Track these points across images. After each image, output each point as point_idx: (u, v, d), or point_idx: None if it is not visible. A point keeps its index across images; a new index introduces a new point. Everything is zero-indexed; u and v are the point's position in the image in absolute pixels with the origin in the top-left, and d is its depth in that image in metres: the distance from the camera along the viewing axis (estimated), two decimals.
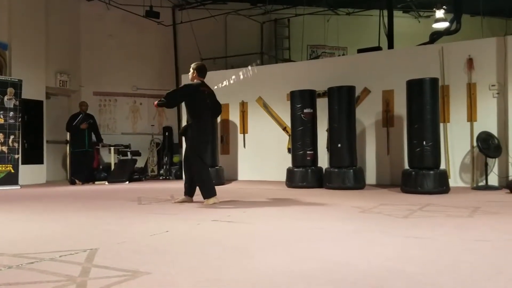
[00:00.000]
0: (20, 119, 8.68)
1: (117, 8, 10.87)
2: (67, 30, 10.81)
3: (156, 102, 5.39)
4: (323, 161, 8.14)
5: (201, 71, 5.56)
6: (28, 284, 2.15)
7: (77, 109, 9.77)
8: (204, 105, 5.42)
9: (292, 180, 7.78)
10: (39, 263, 2.53)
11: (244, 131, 9.66)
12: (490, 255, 2.66)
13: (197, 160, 5.32)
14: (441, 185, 6.45)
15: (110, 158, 9.86)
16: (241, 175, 9.62)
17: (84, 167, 9.38)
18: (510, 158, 7.08)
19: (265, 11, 12.29)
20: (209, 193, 5.30)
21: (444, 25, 9.93)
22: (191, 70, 5.58)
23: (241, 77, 5.90)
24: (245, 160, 9.57)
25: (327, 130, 7.91)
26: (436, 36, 9.60)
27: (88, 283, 2.14)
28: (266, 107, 9.43)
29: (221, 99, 9.32)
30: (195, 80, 5.53)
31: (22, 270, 2.41)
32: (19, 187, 8.39)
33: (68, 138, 9.83)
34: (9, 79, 8.72)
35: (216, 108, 5.88)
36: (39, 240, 3.35)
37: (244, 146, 9.63)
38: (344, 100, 7.46)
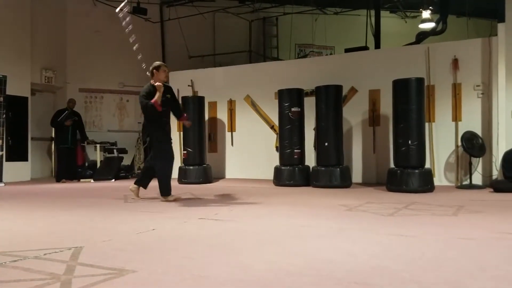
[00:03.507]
0: (4, 116, 8.54)
1: (104, 4, 10.76)
2: (53, 26, 10.66)
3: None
4: (310, 159, 8.18)
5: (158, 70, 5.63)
6: (12, 282, 2.12)
7: (63, 105, 9.65)
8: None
9: (280, 179, 7.80)
10: (23, 261, 2.51)
11: (232, 129, 9.65)
12: (473, 253, 2.70)
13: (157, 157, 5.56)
14: (426, 184, 6.53)
15: (96, 155, 9.76)
16: (229, 173, 9.61)
17: (69, 165, 9.30)
18: (494, 158, 7.19)
19: (253, 9, 12.28)
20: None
21: (430, 25, 10.04)
22: (152, 70, 5.64)
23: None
24: (233, 158, 9.57)
25: (314, 129, 7.94)
26: (422, 36, 9.70)
27: (73, 281, 2.12)
28: (254, 105, 9.43)
29: (209, 97, 9.43)
30: (156, 82, 5.54)
31: (6, 268, 2.38)
32: (3, 185, 8.27)
33: (53, 135, 9.71)
34: None
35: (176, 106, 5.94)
36: (23, 238, 3.31)
37: (232, 144, 9.62)
38: (331, 99, 7.50)
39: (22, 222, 4.07)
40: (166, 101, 5.54)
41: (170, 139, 5.74)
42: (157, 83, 5.46)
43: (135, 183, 5.90)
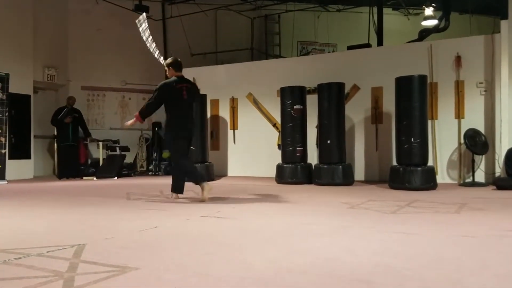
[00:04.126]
0: (7, 114, 8.56)
1: (106, 2, 10.76)
2: (55, 24, 10.67)
3: (137, 114, 5.46)
4: (313, 157, 8.18)
5: (176, 66, 5.45)
6: (14, 280, 2.13)
7: (65, 103, 9.67)
8: (180, 102, 5.37)
9: (282, 176, 7.79)
10: (26, 259, 2.51)
11: (234, 127, 9.65)
12: (475, 251, 2.70)
13: (176, 154, 5.41)
14: (428, 182, 6.52)
15: (99, 153, 9.78)
16: (231, 171, 9.62)
17: (70, 162, 9.31)
18: (496, 155, 7.18)
19: (255, 7, 12.26)
20: (175, 189, 5.36)
21: (433, 22, 10.01)
22: (166, 68, 5.47)
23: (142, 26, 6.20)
24: (235, 156, 9.57)
25: (316, 127, 7.94)
26: (425, 33, 9.67)
27: (75, 279, 2.13)
28: (256, 103, 9.42)
29: (211, 95, 9.44)
30: (173, 77, 5.44)
31: (9, 265, 2.39)
32: (6, 182, 8.30)
33: (55, 133, 9.74)
34: None
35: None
36: (26, 235, 3.32)
37: (234, 142, 9.63)
38: (333, 96, 7.49)
39: (25, 220, 4.08)
40: None
41: None
42: None
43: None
